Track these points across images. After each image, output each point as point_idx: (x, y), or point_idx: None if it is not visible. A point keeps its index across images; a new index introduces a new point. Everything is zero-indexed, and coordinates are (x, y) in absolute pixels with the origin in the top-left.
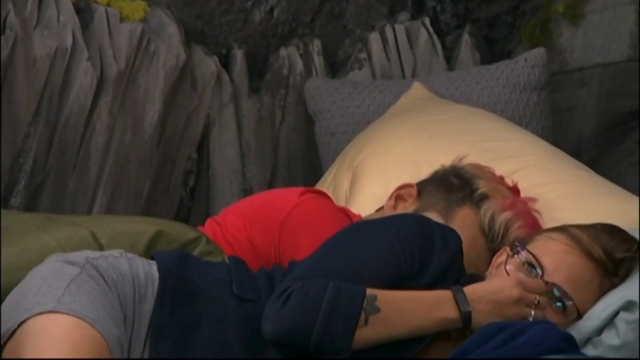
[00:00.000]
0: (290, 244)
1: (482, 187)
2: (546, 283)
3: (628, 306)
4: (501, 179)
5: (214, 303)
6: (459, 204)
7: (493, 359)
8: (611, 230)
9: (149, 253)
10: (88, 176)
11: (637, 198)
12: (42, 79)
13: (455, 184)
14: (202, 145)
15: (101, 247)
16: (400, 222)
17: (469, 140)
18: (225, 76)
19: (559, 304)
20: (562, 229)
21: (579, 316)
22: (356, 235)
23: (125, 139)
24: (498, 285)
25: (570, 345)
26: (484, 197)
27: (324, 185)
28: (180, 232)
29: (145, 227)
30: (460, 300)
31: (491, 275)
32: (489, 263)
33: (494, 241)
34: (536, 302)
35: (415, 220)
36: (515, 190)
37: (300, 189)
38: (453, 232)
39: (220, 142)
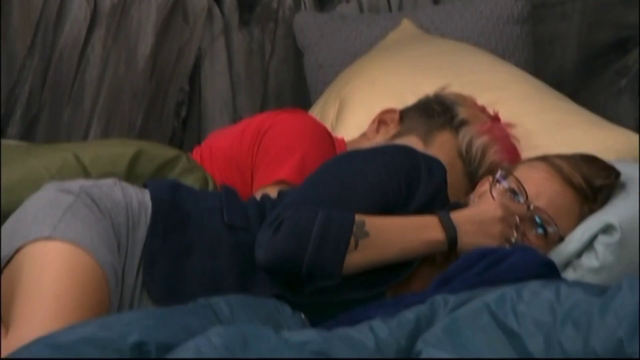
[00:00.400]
0: (266, 151)
1: (462, 113)
2: (529, 208)
3: (607, 229)
4: (482, 108)
5: (205, 230)
6: (438, 128)
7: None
8: (590, 159)
9: (131, 173)
10: (82, 107)
11: (616, 127)
12: (37, 12)
13: (437, 109)
14: (194, 77)
15: (84, 169)
16: (387, 153)
17: (453, 73)
18: (216, 9)
19: (540, 230)
20: (543, 158)
21: (560, 240)
22: (344, 165)
23: (118, 72)
24: (482, 207)
25: (551, 270)
26: (463, 123)
27: (313, 113)
28: (159, 151)
29: (125, 148)
30: (445, 222)
31: (474, 203)
32: (466, 188)
33: (471, 165)
34: (518, 222)
35: (402, 151)
36: (495, 118)
37: (280, 109)
38: (438, 162)
39: (212, 74)
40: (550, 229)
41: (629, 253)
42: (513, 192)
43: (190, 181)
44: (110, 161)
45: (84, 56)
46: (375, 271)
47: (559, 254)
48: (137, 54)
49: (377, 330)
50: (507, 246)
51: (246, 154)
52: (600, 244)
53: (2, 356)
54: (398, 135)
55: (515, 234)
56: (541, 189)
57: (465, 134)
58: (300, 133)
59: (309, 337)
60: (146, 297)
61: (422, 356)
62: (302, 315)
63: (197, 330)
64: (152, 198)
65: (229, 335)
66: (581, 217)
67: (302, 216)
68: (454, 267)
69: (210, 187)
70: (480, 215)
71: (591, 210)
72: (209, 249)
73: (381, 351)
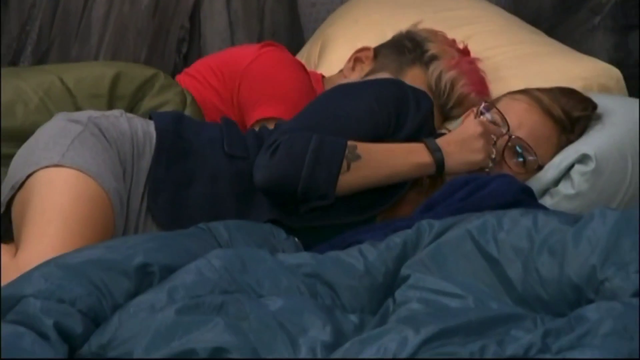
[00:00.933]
0: (248, 91)
1: (432, 49)
2: (510, 138)
3: (583, 159)
4: (452, 42)
5: (206, 160)
6: (409, 64)
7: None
8: (569, 92)
9: (113, 93)
10: (89, 44)
11: (582, 55)
12: None
13: (407, 46)
14: (194, 16)
15: (69, 91)
16: (378, 85)
17: (431, 10)
18: None
19: (520, 158)
20: (524, 91)
21: (539, 168)
22: (338, 97)
23: (123, 10)
24: (462, 127)
25: (529, 196)
26: (433, 58)
27: (303, 53)
28: (138, 71)
29: (106, 69)
30: (432, 146)
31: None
32: (438, 120)
33: (440, 98)
34: (495, 139)
35: (392, 84)
36: (465, 52)
37: (260, 44)
38: (424, 94)
39: (211, 13)
40: (529, 158)
41: (603, 181)
42: (495, 123)
43: (170, 95)
44: (93, 83)
45: None
46: (366, 196)
47: (538, 181)
48: None
49: (366, 254)
50: (490, 163)
51: (234, 95)
52: (576, 172)
53: (13, 274)
54: (372, 72)
55: (494, 151)
56: (522, 119)
57: (434, 69)
58: (280, 68)
59: (303, 259)
60: (151, 221)
61: (409, 281)
62: (296, 239)
63: (198, 253)
64: (157, 128)
65: (227, 258)
66: (559, 147)
67: (297, 141)
68: (438, 194)
69: (188, 100)
70: (462, 134)
71: (569, 141)
72: (209, 177)
73: (370, 273)
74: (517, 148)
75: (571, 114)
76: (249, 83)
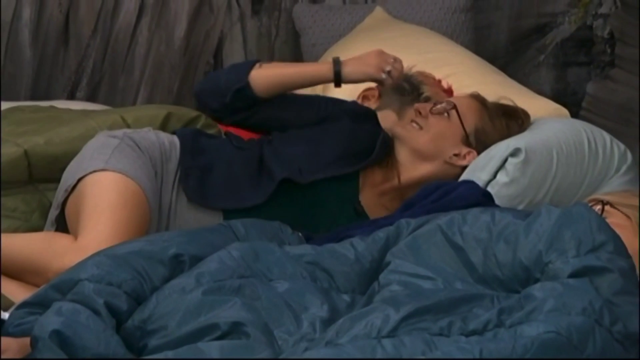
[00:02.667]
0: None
1: (427, 91)
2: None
3: (515, 152)
4: (439, 82)
5: (221, 153)
6: (409, 104)
7: (432, 209)
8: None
9: (164, 129)
10: (133, 76)
11: (537, 96)
12: (99, 4)
13: (406, 88)
14: (217, 54)
15: (128, 126)
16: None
17: (415, 52)
18: (234, 2)
19: (443, 105)
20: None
21: (466, 135)
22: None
23: (160, 49)
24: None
25: (489, 199)
26: (427, 100)
27: None
28: (184, 112)
29: (159, 110)
30: (334, 59)
31: None
32: None
33: None
34: (393, 60)
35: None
36: (449, 91)
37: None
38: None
39: (231, 51)
40: (441, 105)
41: (532, 169)
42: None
43: (211, 132)
44: (148, 121)
45: (134, 37)
46: (344, 157)
47: (480, 179)
48: (174, 36)
49: (356, 246)
50: (383, 75)
51: None
52: (510, 163)
53: (75, 254)
54: (377, 109)
55: (390, 65)
56: (460, 98)
57: None
58: None
59: (305, 250)
60: (181, 209)
61: (390, 267)
62: (300, 234)
63: (220, 245)
64: (180, 138)
65: (244, 249)
66: (486, 127)
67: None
68: (414, 197)
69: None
70: (362, 54)
71: (497, 128)
72: (226, 164)
73: (359, 261)
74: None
75: (506, 108)
76: None
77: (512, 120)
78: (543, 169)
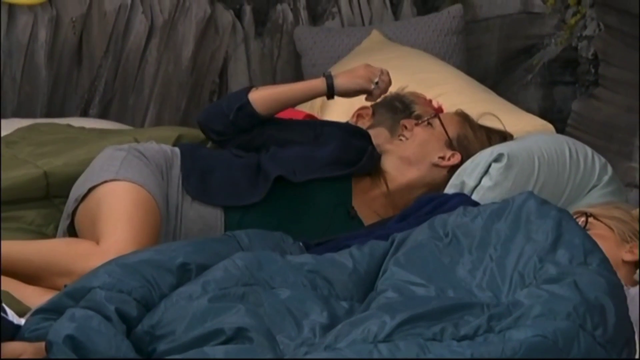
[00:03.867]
0: None
1: (418, 110)
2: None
3: (498, 157)
4: (429, 102)
5: (222, 159)
6: (400, 121)
7: (425, 220)
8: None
9: None
10: (143, 95)
11: (524, 113)
12: (110, 26)
13: (398, 107)
14: (222, 74)
15: None
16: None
17: (409, 72)
18: (238, 25)
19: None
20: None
21: (449, 140)
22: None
23: (168, 69)
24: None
25: None
26: (418, 118)
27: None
28: (194, 134)
29: (171, 132)
30: (326, 73)
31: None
32: None
33: None
34: (381, 72)
35: None
36: (439, 110)
37: (302, 113)
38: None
39: (235, 71)
40: (432, 120)
41: (514, 174)
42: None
43: None
44: (160, 141)
45: (144, 58)
46: (336, 162)
47: (467, 185)
48: (182, 56)
49: (354, 255)
50: (372, 86)
51: None
52: (493, 168)
53: (98, 260)
54: (371, 127)
55: (377, 77)
56: (448, 115)
57: None
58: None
59: (306, 259)
60: (187, 207)
61: (386, 275)
62: (300, 244)
63: (225, 255)
64: (180, 148)
65: (248, 259)
66: (469, 138)
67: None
68: (409, 208)
69: None
70: (352, 68)
71: (478, 139)
72: (226, 168)
73: (357, 270)
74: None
75: (488, 129)
76: None
77: (493, 133)
78: (525, 173)
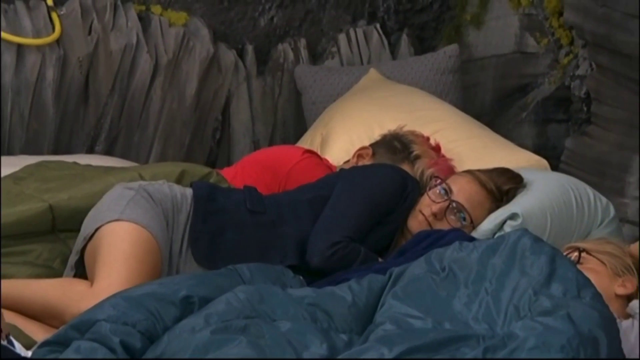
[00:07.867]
0: (292, 186)
1: (416, 150)
2: (452, 201)
3: (513, 216)
4: (427, 140)
5: (234, 215)
6: (400, 162)
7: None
8: (503, 171)
9: (179, 184)
10: (148, 131)
11: (520, 149)
12: (116, 65)
13: (398, 147)
14: (225, 111)
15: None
16: (383, 177)
17: (406, 110)
18: (240, 64)
19: (461, 214)
20: (468, 171)
21: (472, 227)
22: (360, 193)
23: (172, 106)
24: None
25: None
26: (417, 157)
27: (306, 138)
28: (197, 169)
29: (174, 168)
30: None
31: None
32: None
33: (422, 188)
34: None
35: (394, 173)
36: (437, 148)
37: (302, 149)
38: (415, 182)
39: (237, 109)
40: (463, 216)
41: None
42: (444, 190)
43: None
44: (164, 177)
45: (149, 96)
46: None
47: (480, 233)
48: (186, 94)
49: (353, 289)
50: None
51: (279, 189)
52: (508, 226)
53: (91, 299)
54: None
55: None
56: (463, 188)
57: (418, 166)
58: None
59: (306, 293)
60: (190, 260)
61: (384, 307)
62: (301, 277)
63: (227, 288)
64: (195, 194)
65: (249, 292)
66: (490, 211)
67: (350, 255)
68: (407, 243)
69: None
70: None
71: (498, 207)
72: (236, 228)
73: (356, 304)
74: (454, 208)
75: (501, 187)
76: (293, 178)
77: (509, 195)
78: (538, 232)
